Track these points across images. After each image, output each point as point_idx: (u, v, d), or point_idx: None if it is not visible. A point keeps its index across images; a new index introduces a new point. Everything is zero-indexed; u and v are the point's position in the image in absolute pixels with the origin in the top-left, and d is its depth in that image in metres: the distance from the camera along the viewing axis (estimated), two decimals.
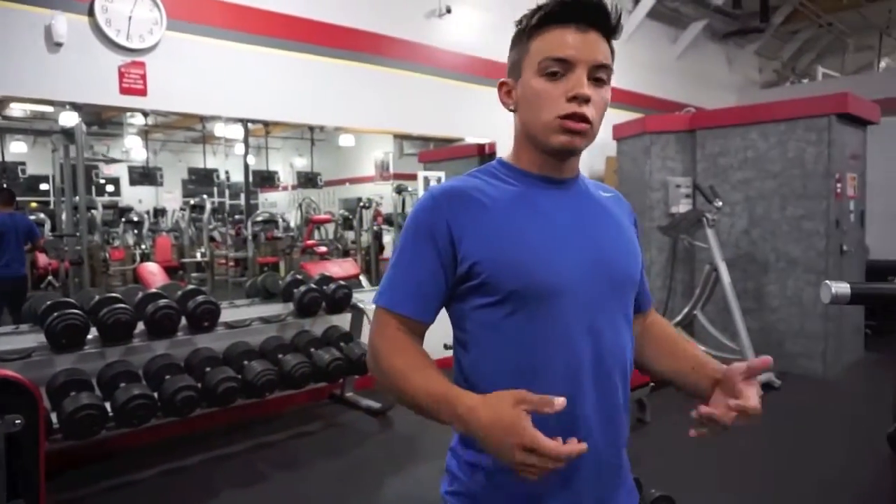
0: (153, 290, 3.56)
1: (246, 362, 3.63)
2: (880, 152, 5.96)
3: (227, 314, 3.84)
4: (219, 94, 4.07)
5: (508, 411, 0.84)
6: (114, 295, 3.32)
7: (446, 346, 3.99)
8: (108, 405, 3.06)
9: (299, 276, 4.27)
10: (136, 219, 9.56)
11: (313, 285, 4.07)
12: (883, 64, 9.48)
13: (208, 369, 3.48)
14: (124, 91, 3.55)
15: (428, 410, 0.96)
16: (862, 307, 5.62)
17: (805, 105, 4.92)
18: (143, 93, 3.64)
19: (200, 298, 3.49)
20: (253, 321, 3.80)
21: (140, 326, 3.31)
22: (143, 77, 3.62)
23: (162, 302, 3.33)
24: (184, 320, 3.46)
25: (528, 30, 1.03)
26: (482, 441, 0.88)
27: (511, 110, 1.08)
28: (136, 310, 3.29)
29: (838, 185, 4.84)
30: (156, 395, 3.23)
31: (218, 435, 3.80)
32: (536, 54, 1.01)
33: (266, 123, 6.86)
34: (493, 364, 1.01)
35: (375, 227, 8.70)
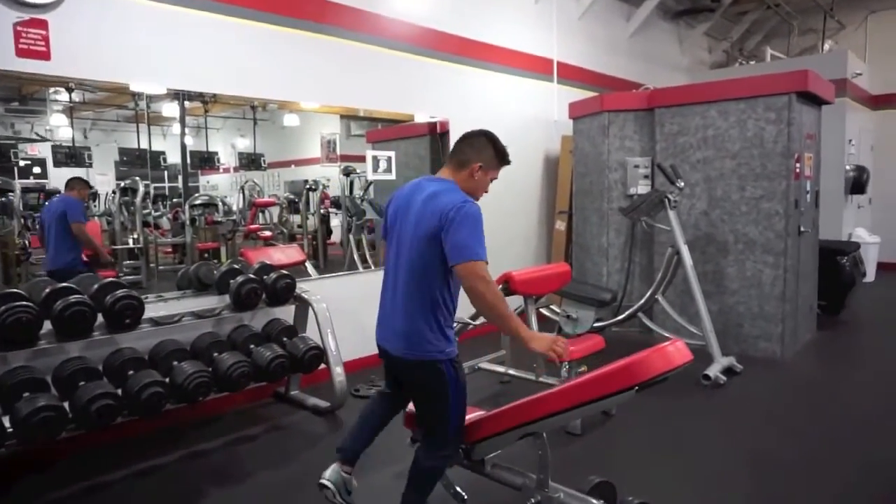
0: (63, 283, 3.11)
1: (175, 363, 3.25)
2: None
3: (154, 309, 3.43)
4: (141, 60, 3.61)
5: (549, 336, 2.10)
6: (14, 290, 2.87)
7: None
8: (7, 419, 2.65)
9: (236, 266, 3.88)
10: None
11: (252, 275, 3.69)
12: (826, 46, 9.61)
13: (131, 372, 3.09)
14: (22, 53, 3.06)
15: (510, 322, 2.03)
16: (816, 286, 5.64)
17: (765, 83, 4.80)
18: (45, 56, 3.15)
19: (120, 292, 3.06)
20: (183, 316, 3.40)
21: (47, 326, 2.89)
22: (46, 38, 3.13)
23: (73, 298, 2.91)
24: (101, 317, 3.05)
25: (502, 160, 2.31)
26: (530, 341, 2.04)
27: (472, 175, 2.21)
28: (42, 307, 2.86)
29: (797, 164, 4.77)
30: (67, 404, 2.82)
31: (143, 445, 3.40)
32: (493, 171, 2.30)
33: (204, 99, 6.35)
34: None
35: (323, 211, 8.31)
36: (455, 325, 2.21)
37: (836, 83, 6.93)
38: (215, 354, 3.40)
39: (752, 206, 4.87)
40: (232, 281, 3.61)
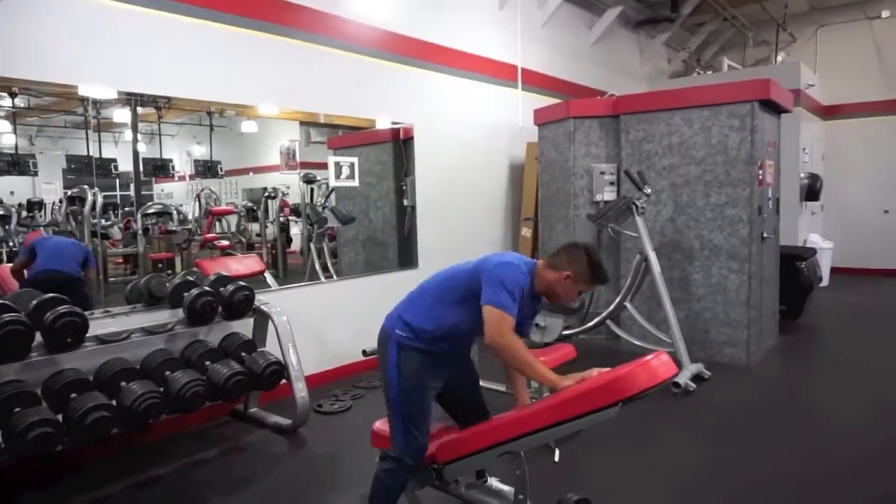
0: None
1: (123, 384, 3.02)
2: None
3: (101, 325, 3.20)
4: (89, 61, 3.38)
5: (577, 376, 1.97)
6: None
7: (364, 353, 3.55)
8: None
9: (191, 277, 3.67)
10: (1, 212, 8.35)
11: (207, 287, 3.49)
12: (780, 58, 9.89)
13: (73, 395, 2.85)
14: None
15: (535, 369, 2.02)
16: (778, 291, 5.71)
17: (728, 91, 4.84)
18: None
19: (61, 309, 2.84)
20: (132, 333, 3.17)
21: None
22: None
23: (7, 316, 2.67)
24: (40, 336, 2.81)
25: (593, 279, 2.24)
26: (559, 384, 1.95)
27: (559, 280, 2.20)
28: None
29: (760, 171, 4.81)
30: (0, 433, 2.58)
31: (88, 473, 3.15)
32: (583, 284, 2.24)
33: (157, 105, 6.08)
34: None
35: (282, 219, 8.08)
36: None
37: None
38: (167, 373, 3.18)
39: (717, 212, 4.90)
40: (186, 294, 3.40)
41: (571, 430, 1.88)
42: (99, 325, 3.19)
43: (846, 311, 7.14)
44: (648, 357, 1.76)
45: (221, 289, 3.57)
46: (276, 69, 4.37)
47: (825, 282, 8.09)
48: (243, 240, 8.13)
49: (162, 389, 3.06)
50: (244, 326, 3.85)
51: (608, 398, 1.70)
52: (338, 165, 5.03)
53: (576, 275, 2.18)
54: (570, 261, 2.20)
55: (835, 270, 8.78)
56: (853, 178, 9.53)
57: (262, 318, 3.82)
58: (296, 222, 8.37)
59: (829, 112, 9.51)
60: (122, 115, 8.24)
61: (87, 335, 2.96)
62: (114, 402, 2.90)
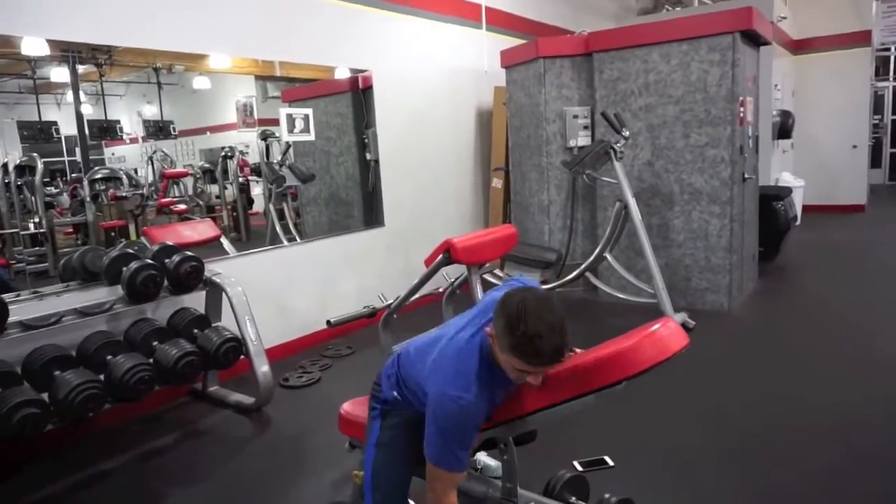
0: None
1: (57, 373, 2.68)
2: None
3: (28, 308, 2.83)
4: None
5: None
6: None
7: (329, 323, 3.26)
8: None
9: (131, 249, 3.29)
10: None
11: (149, 260, 3.13)
12: None
13: None
14: None
15: None
16: (757, 233, 5.56)
17: (708, 22, 4.53)
18: None
19: None
20: (63, 317, 2.82)
21: None
22: None
23: None
24: None
25: (514, 349, 1.45)
26: None
27: (498, 353, 1.52)
28: None
29: (741, 109, 4.56)
30: None
31: (23, 471, 2.84)
32: (512, 360, 1.47)
33: (98, 62, 5.55)
34: None
35: (242, 179, 7.63)
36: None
37: None
38: (108, 358, 2.85)
39: (697, 154, 4.66)
40: (124, 268, 3.04)
41: (566, 412, 1.63)
42: (26, 308, 2.83)
43: (820, 249, 7.09)
44: (655, 326, 1.51)
45: (166, 260, 3.22)
46: (228, 12, 3.94)
47: (798, 220, 8.03)
48: (201, 203, 7.68)
49: (102, 377, 2.73)
50: (197, 300, 3.52)
51: (611, 377, 1.45)
52: (290, 118, 4.63)
53: (498, 337, 1.47)
54: (495, 316, 1.50)
55: (805, 208, 8.73)
56: (822, 114, 9.40)
57: (216, 291, 3.49)
58: (257, 182, 7.94)
59: (798, 46, 9.29)
60: (60, 73, 7.57)
61: (10, 321, 2.62)
62: (45, 396, 2.57)
